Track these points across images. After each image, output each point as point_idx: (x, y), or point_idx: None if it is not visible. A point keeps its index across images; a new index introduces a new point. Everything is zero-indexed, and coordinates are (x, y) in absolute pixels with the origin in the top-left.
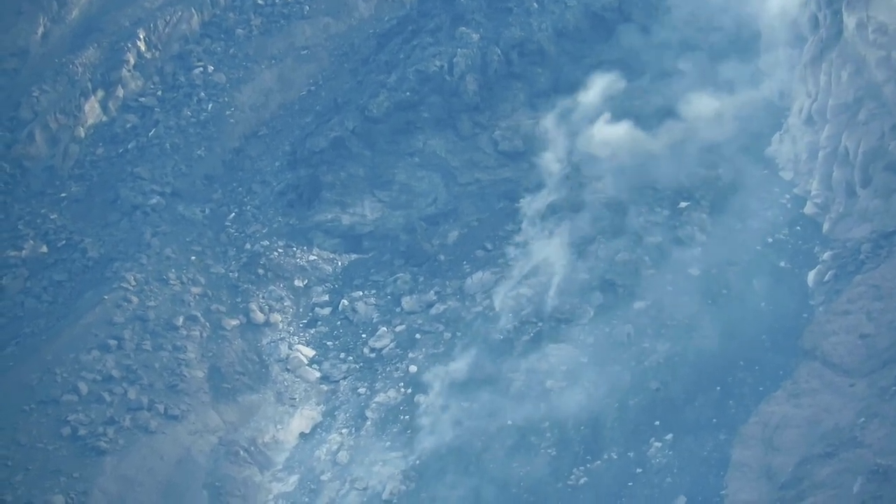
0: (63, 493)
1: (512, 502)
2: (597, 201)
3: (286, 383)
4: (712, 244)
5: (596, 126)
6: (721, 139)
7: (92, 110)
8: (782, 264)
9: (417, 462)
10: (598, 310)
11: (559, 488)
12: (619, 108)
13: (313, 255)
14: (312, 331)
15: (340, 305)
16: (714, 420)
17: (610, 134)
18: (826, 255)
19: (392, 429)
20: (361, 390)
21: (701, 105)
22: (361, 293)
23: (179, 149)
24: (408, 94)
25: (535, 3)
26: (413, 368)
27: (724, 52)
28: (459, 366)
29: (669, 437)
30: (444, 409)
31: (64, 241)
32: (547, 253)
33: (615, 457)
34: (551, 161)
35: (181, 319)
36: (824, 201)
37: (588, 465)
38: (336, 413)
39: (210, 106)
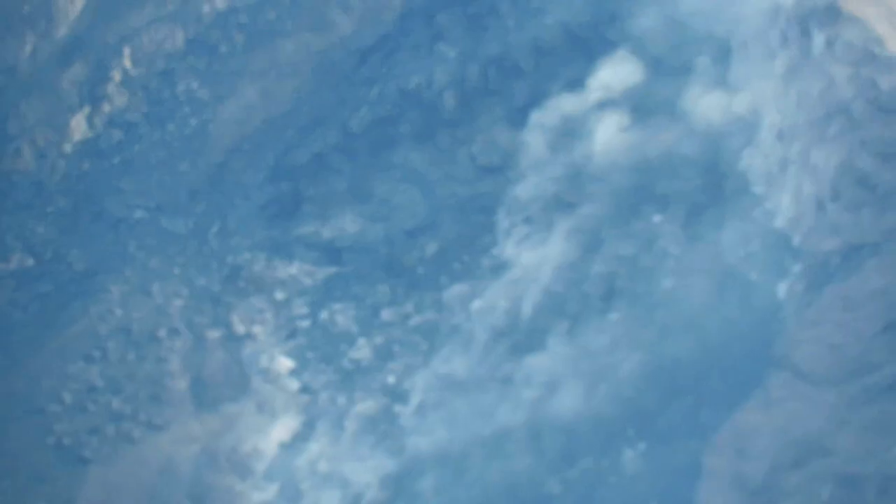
0: (48, 501)
1: None
2: (572, 216)
3: (266, 394)
4: (685, 257)
5: (571, 141)
6: (693, 155)
7: (78, 126)
8: (753, 276)
9: (396, 470)
10: (574, 321)
11: (535, 496)
12: (591, 125)
13: (294, 268)
14: (292, 342)
15: (320, 317)
16: (686, 429)
17: (584, 149)
18: (796, 268)
19: (371, 438)
20: (340, 401)
21: (671, 124)
22: (341, 305)
23: (164, 163)
24: (388, 109)
25: (511, 21)
26: (391, 379)
27: (696, 67)
28: (437, 376)
29: (643, 446)
30: (421, 419)
31: (50, 254)
32: (523, 266)
33: (590, 465)
34: (528, 175)
35: (164, 331)
36: (795, 215)
37: (563, 473)
38: (315, 423)
39: (194, 121)
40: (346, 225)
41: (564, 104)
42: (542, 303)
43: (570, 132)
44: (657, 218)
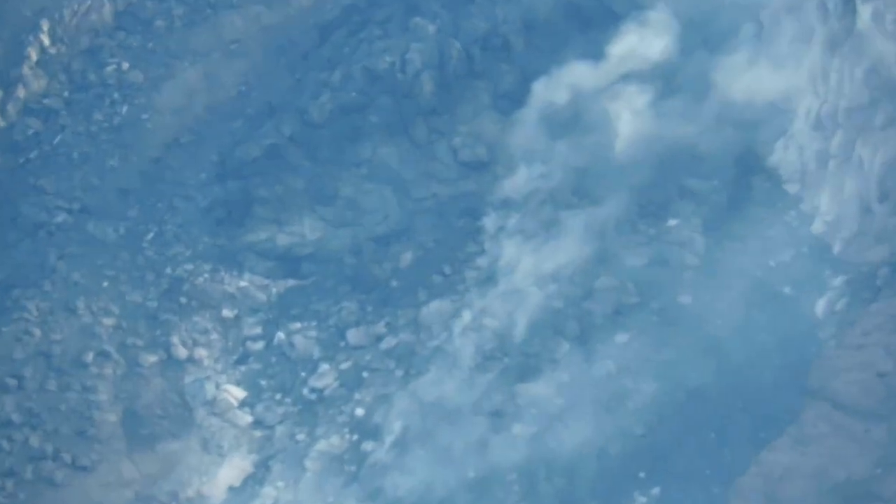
0: None
1: None
2: (572, 218)
3: (213, 429)
4: (705, 268)
5: (572, 127)
6: (716, 147)
7: None
8: (787, 291)
9: None
10: (574, 343)
11: None
12: (598, 112)
13: (244, 280)
14: (243, 368)
15: (276, 339)
16: (707, 471)
17: (587, 141)
18: (837, 281)
19: (336, 481)
20: (300, 437)
21: (693, 107)
22: (300, 325)
23: (89, 158)
24: (354, 95)
25: None
26: (360, 412)
27: (720, 47)
28: (414, 408)
29: (656, 490)
30: (395, 459)
31: None
32: (514, 278)
33: None
34: (519, 172)
35: (91, 355)
36: (835, 218)
37: None
38: (271, 463)
39: (125, 109)
40: (306, 231)
41: (564, 83)
42: (539, 321)
43: (573, 117)
44: (673, 221)
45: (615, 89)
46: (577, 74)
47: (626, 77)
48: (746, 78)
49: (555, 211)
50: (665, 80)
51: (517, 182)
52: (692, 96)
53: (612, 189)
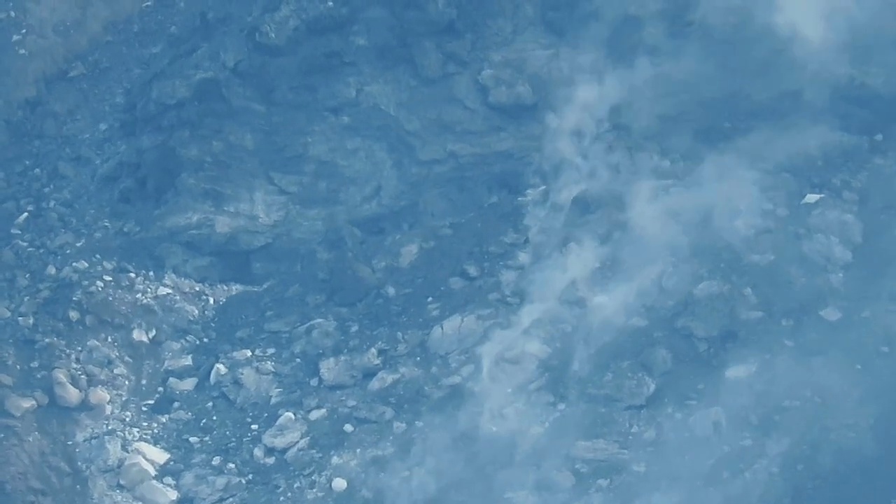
0: None
1: None
2: (659, 190)
3: None
4: (861, 267)
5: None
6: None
7: None
8: None
9: None
10: (663, 381)
11: None
12: (686, 26)
13: (165, 286)
14: (164, 419)
15: (213, 375)
16: None
17: (678, 69)
18: None
19: None
20: None
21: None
22: (249, 353)
23: None
24: (330, 4)
25: None
26: (340, 484)
27: None
28: (421, 478)
29: None
30: None
31: None
32: (573, 283)
33: None
34: (579, 119)
35: None
36: None
37: None
38: None
39: None
40: (258, 211)
41: None
42: (610, 348)
43: (651, 42)
44: (814, 196)
45: None
46: None
47: None
48: None
49: (631, 179)
50: None
51: (577, 135)
52: None
53: (717, 141)
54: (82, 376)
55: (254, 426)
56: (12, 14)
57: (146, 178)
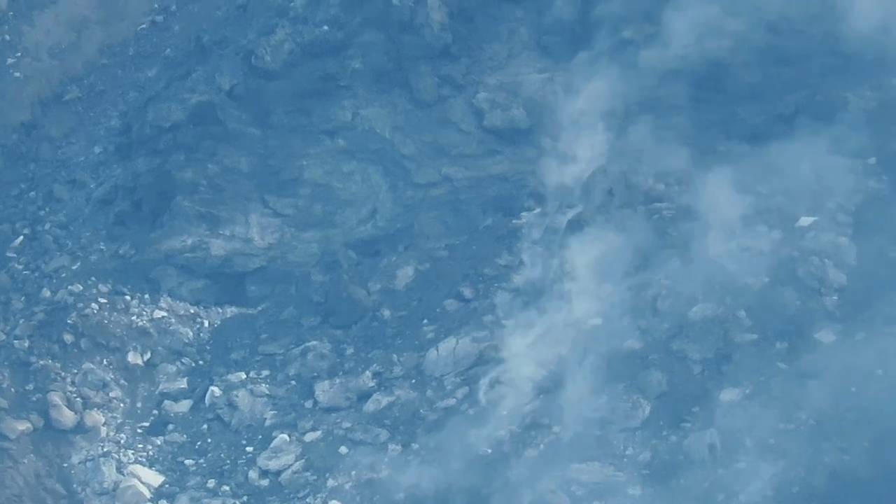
0: None
1: None
2: (654, 212)
3: None
4: (856, 290)
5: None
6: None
7: None
8: None
9: None
10: (658, 403)
11: None
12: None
13: (161, 308)
14: (159, 441)
15: (208, 397)
16: None
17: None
18: None
19: None
20: None
21: None
22: (244, 375)
23: None
24: (325, 28)
25: None
26: None
27: None
28: (417, 501)
29: None
30: None
31: None
32: (567, 304)
33: None
34: (574, 142)
35: None
36: None
37: None
38: None
39: None
40: (253, 234)
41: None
42: (605, 370)
43: (654, 58)
44: (807, 219)
45: None
46: None
47: None
48: None
49: (631, 197)
50: None
51: (573, 159)
52: None
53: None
54: (77, 399)
55: (248, 448)
56: (7, 37)
57: (141, 201)
